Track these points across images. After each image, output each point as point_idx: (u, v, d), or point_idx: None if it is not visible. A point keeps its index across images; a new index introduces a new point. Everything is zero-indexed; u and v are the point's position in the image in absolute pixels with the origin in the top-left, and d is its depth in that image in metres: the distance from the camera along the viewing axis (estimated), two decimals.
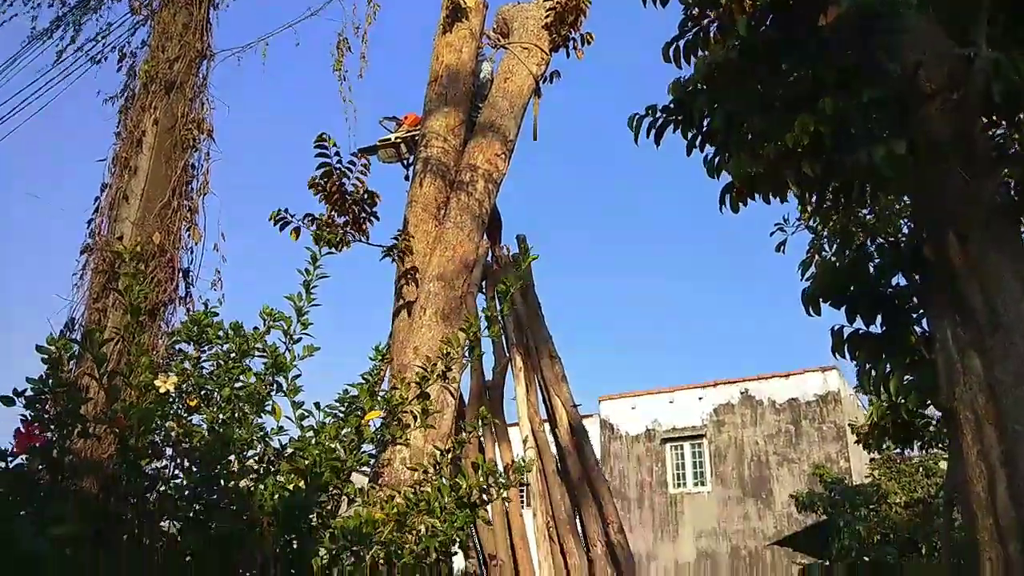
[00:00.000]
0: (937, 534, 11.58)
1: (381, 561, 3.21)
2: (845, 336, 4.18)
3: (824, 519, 13.51)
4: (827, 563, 13.32)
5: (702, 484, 20.91)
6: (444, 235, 5.17)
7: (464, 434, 4.05)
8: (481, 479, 3.75)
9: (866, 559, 11.79)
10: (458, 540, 4.06)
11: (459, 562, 4.63)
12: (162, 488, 3.55)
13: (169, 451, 3.62)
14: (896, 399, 3.87)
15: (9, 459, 2.53)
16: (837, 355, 4.14)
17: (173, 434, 3.56)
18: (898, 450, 13.15)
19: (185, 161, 4.87)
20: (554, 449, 5.43)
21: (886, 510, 11.96)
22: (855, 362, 4.13)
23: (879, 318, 4.12)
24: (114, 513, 3.59)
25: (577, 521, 5.19)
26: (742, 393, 21.02)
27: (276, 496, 3.06)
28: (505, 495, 3.98)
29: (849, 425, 14.50)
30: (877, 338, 4.05)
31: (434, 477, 3.79)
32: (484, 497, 3.85)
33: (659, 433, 21.77)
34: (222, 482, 3.23)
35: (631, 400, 22.46)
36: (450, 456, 3.84)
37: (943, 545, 8.63)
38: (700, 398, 21.49)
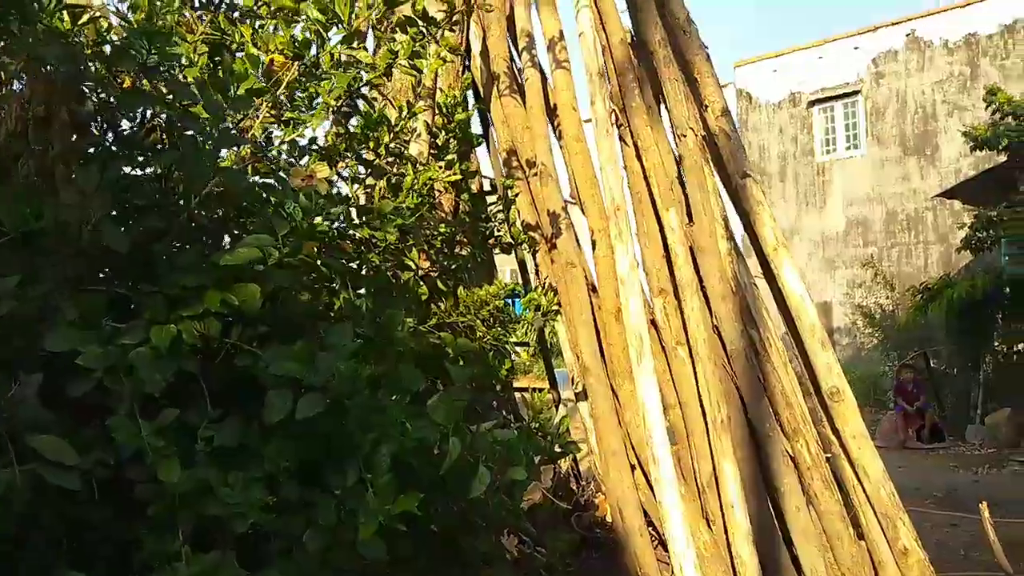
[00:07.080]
0: None
1: None
2: None
3: (1005, 161, 11.31)
4: (1005, 206, 11.41)
5: (855, 148, 18.59)
6: None
7: None
8: None
9: None
10: None
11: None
12: None
13: None
14: None
15: None
16: None
17: None
18: None
19: None
20: (627, 17, 3.88)
21: None
22: None
23: None
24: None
25: (662, 107, 3.79)
26: (907, 36, 17.69)
27: None
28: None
29: None
30: None
31: None
32: None
33: (805, 96, 19.15)
34: None
35: (772, 62, 19.65)
36: None
37: None
38: (856, 47, 18.37)
